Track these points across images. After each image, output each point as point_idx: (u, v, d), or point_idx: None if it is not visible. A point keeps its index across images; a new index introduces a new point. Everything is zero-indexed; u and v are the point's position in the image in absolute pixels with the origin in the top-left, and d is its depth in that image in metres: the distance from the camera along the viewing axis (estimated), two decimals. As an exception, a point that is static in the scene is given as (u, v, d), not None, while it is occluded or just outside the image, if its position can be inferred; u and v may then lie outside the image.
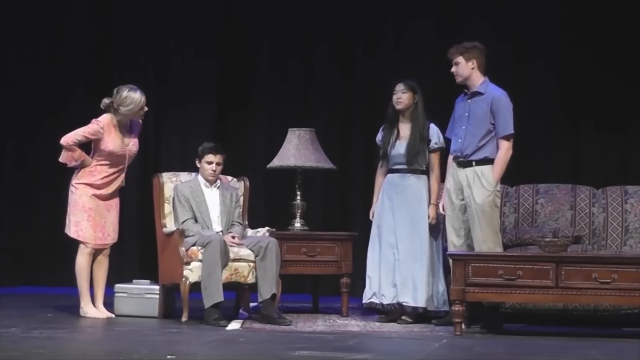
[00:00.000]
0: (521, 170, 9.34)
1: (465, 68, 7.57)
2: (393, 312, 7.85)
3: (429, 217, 7.84)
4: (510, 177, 8.33)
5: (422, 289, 7.75)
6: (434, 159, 7.94)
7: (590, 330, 7.49)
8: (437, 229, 7.90)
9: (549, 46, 9.86)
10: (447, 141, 7.81)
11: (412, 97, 7.93)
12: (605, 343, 6.89)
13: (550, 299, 7.10)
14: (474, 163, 7.52)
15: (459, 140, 7.60)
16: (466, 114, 7.59)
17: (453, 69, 7.60)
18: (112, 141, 7.79)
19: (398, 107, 7.93)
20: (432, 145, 7.93)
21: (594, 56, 9.80)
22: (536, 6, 9.87)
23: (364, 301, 7.95)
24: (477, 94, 7.57)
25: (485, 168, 7.49)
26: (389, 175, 8.00)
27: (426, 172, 7.95)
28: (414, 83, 7.96)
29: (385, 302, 7.83)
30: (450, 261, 7.23)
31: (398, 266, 7.81)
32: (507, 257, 7.15)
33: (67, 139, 7.76)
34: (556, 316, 7.77)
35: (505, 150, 7.48)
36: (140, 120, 7.95)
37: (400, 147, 7.93)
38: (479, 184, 7.48)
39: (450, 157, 7.71)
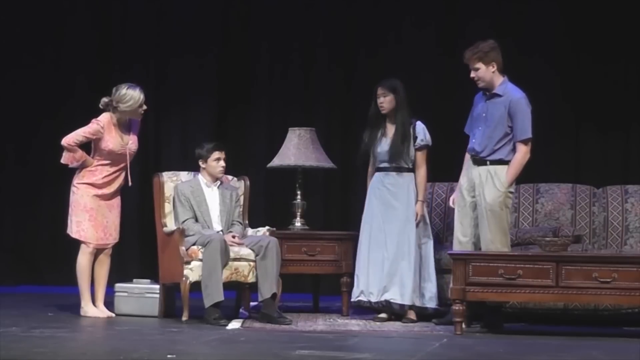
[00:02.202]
0: (522, 169, 9.33)
1: (487, 73, 7.46)
2: (383, 310, 7.86)
3: (416, 214, 7.85)
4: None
5: (409, 286, 7.77)
6: (420, 157, 7.92)
7: (591, 329, 7.49)
8: (427, 228, 7.91)
9: (549, 45, 9.85)
10: (466, 137, 7.73)
11: (393, 98, 7.91)
12: (605, 342, 6.89)
13: (550, 298, 7.10)
14: (488, 162, 7.48)
15: (474, 141, 7.56)
16: (484, 115, 7.52)
17: (473, 74, 7.48)
18: (112, 140, 7.80)
19: (383, 112, 7.94)
20: (418, 142, 7.92)
21: (595, 55, 9.78)
22: (536, 6, 9.86)
23: (352, 299, 7.98)
24: (496, 95, 7.49)
25: (500, 168, 7.45)
26: (376, 174, 8.00)
27: (412, 169, 7.96)
28: (394, 83, 7.93)
29: (372, 299, 7.84)
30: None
31: (386, 264, 7.83)
32: (507, 257, 7.15)
33: (68, 139, 7.77)
34: (556, 316, 7.77)
35: (522, 154, 7.43)
36: (139, 119, 7.95)
37: (384, 145, 7.93)
38: (491, 184, 7.45)
39: (467, 155, 7.67)
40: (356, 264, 7.99)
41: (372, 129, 8.01)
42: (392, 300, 7.80)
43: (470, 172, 7.57)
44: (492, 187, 7.44)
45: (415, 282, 7.79)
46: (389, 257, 7.84)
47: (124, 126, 7.89)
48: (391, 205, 7.90)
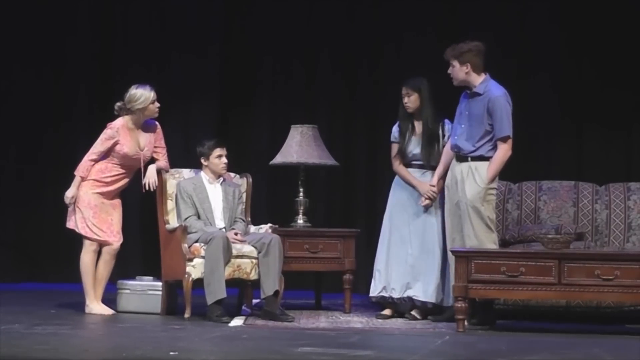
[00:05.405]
0: (524, 167, 9.33)
1: (460, 72, 7.53)
2: (401, 306, 7.85)
3: (433, 192, 7.80)
4: (513, 174, 8.33)
5: (433, 283, 7.75)
6: None
7: (593, 327, 7.48)
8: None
9: (551, 45, 9.85)
10: None
11: (418, 97, 7.91)
12: (607, 340, 6.90)
13: (552, 295, 7.11)
14: (470, 159, 7.52)
15: (455, 137, 7.61)
16: (466, 113, 7.58)
17: (449, 70, 7.59)
18: (128, 144, 7.80)
19: (408, 111, 7.92)
20: (447, 139, 7.89)
21: (596, 55, 9.78)
22: (537, 7, 9.86)
23: (372, 294, 7.92)
24: (476, 94, 7.53)
25: (480, 164, 7.47)
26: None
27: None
28: (418, 81, 7.92)
29: (395, 295, 7.81)
30: (453, 257, 7.24)
31: (410, 260, 7.81)
32: (509, 254, 7.16)
33: (82, 171, 7.76)
34: (559, 313, 7.77)
35: (503, 151, 7.45)
36: (158, 126, 7.94)
37: (415, 145, 7.92)
38: (472, 179, 7.47)
39: (447, 152, 7.73)
40: (376, 259, 7.95)
41: (401, 127, 7.96)
42: (414, 297, 7.78)
43: (454, 169, 7.60)
44: (473, 183, 7.46)
45: (439, 279, 7.77)
46: (414, 254, 7.81)
47: (141, 131, 7.88)
48: (418, 202, 7.88)
